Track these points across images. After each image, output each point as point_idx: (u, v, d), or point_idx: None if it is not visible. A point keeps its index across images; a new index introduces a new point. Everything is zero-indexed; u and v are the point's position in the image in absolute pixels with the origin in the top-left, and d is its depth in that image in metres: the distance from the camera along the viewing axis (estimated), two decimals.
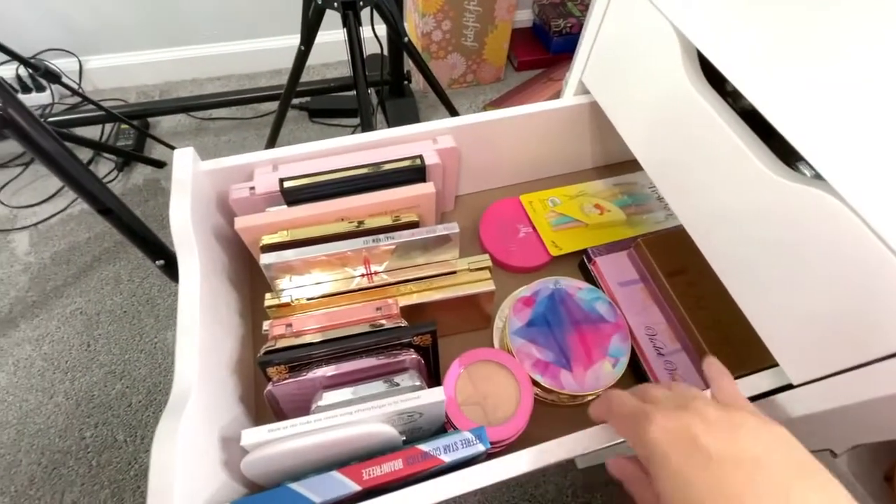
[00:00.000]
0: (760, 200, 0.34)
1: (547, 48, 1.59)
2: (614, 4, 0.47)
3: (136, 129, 1.26)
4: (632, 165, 0.67)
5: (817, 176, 0.31)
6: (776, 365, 0.37)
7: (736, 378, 0.38)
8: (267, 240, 0.46)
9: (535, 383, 0.44)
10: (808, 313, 0.33)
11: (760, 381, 0.38)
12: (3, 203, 1.19)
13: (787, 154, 0.34)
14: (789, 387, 0.37)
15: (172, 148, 1.24)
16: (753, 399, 0.38)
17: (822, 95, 0.30)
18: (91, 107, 1.14)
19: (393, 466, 0.33)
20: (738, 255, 0.37)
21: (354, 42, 0.90)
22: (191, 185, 0.45)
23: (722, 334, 0.45)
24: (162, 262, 0.88)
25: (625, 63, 0.48)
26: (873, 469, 0.53)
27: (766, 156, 0.34)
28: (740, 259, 0.37)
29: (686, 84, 0.39)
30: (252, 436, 0.35)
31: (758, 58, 0.33)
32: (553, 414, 0.47)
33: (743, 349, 0.43)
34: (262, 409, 0.48)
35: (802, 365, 0.35)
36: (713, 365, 0.33)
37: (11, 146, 1.25)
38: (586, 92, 0.57)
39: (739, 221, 0.37)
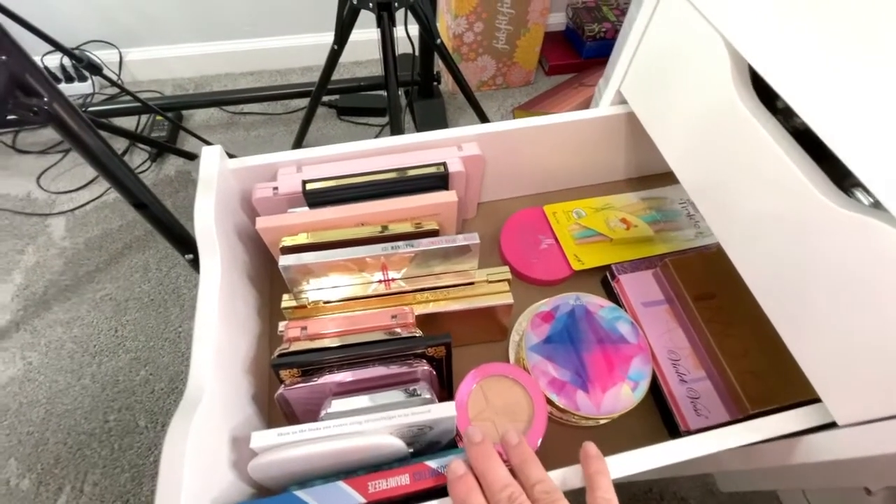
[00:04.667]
0: (812, 228, 0.32)
1: (579, 53, 1.56)
2: (660, 13, 0.45)
3: (171, 121, 1.29)
4: (661, 179, 0.65)
5: (876, 204, 0.28)
6: (814, 401, 0.35)
7: (766, 412, 0.36)
8: (287, 241, 0.46)
9: (550, 402, 0.43)
10: (860, 351, 0.31)
11: (799, 418, 0.36)
12: (42, 188, 1.24)
13: (841, 178, 0.32)
14: (830, 425, 0.34)
15: (204, 141, 1.27)
16: (788, 437, 0.36)
17: (885, 117, 0.27)
18: (129, 98, 1.17)
19: (399, 481, 0.32)
20: (784, 283, 0.35)
21: (388, 43, 0.90)
22: (216, 183, 0.45)
23: (751, 364, 0.43)
24: (191, 256, 0.89)
25: (669, 75, 0.46)
26: None
27: (820, 180, 0.32)
28: (786, 288, 0.35)
29: (735, 100, 0.37)
30: (261, 438, 0.35)
31: (814, 75, 0.31)
32: (566, 434, 0.46)
33: (773, 382, 0.41)
34: (275, 411, 0.48)
35: (850, 405, 0.33)
36: (592, 459, 0.32)
37: (53, 133, 1.30)
38: (623, 102, 0.55)
39: (787, 248, 0.34)
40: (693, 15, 0.40)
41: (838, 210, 0.30)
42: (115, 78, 1.37)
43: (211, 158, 0.47)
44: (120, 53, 1.44)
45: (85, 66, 1.10)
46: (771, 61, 0.34)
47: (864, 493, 0.49)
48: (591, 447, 0.33)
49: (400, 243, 0.45)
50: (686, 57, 0.43)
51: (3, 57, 0.54)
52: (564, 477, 0.33)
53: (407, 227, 0.47)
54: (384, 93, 1.43)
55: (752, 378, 0.42)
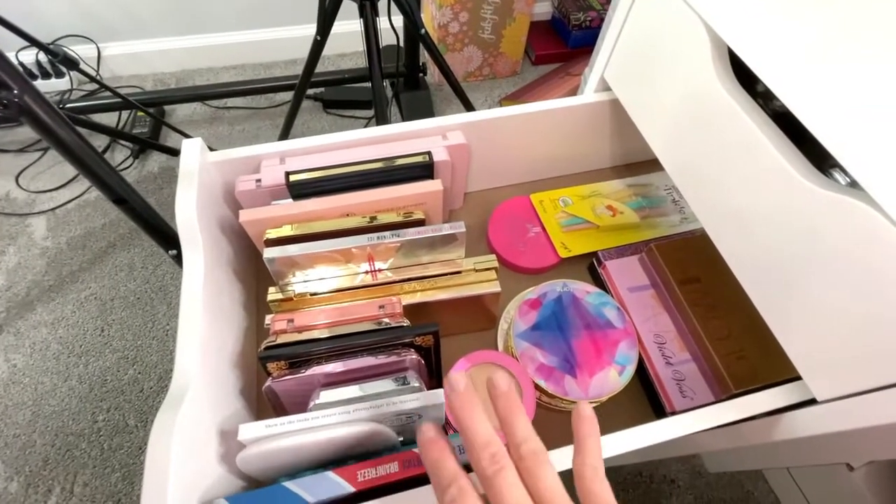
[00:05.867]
0: (791, 208, 0.33)
1: (566, 42, 1.55)
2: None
3: (152, 116, 1.27)
4: (647, 166, 0.65)
5: (853, 184, 0.29)
6: (795, 379, 0.36)
7: (749, 391, 0.37)
8: (271, 234, 0.46)
9: (538, 388, 0.44)
10: (837, 328, 0.31)
11: (780, 396, 0.37)
12: (21, 187, 1.22)
13: (819, 159, 0.32)
14: (810, 402, 0.35)
15: (187, 136, 1.25)
16: (772, 413, 0.37)
17: (863, 98, 0.28)
18: (109, 94, 1.15)
19: (389, 469, 0.32)
20: (765, 263, 0.36)
21: (371, 33, 0.89)
22: (198, 176, 0.45)
23: (734, 346, 0.44)
24: (175, 252, 0.88)
25: (651, 59, 0.46)
26: (890, 484, 0.51)
27: (798, 161, 0.32)
28: (767, 268, 0.36)
29: (715, 83, 0.37)
30: (249, 431, 0.35)
31: (794, 56, 0.32)
32: (554, 419, 0.46)
33: (756, 362, 0.41)
34: (263, 405, 0.48)
35: (829, 381, 0.33)
36: (585, 420, 0.28)
37: (32, 131, 1.27)
38: (607, 89, 0.55)
39: (767, 229, 0.35)
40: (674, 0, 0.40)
41: (817, 190, 0.31)
42: (93, 73, 1.34)
43: (191, 152, 0.46)
44: (98, 48, 1.41)
45: (61, 61, 1.08)
46: (749, 43, 0.35)
47: (847, 470, 0.50)
48: (585, 407, 0.29)
49: (386, 233, 0.44)
50: (667, 41, 0.43)
51: None
52: (554, 460, 0.33)
53: (393, 217, 0.47)
54: (370, 85, 1.43)
55: (735, 359, 0.43)
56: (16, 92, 0.57)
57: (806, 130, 0.31)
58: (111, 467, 0.85)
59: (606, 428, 0.36)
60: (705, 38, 0.38)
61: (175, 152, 1.29)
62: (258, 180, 0.48)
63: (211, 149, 0.49)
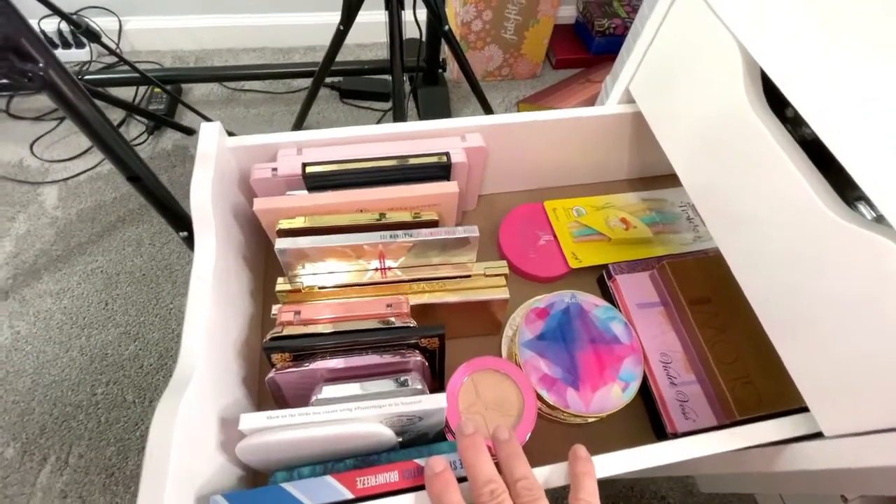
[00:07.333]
0: (813, 238, 0.32)
1: (588, 48, 1.54)
2: (675, 13, 0.45)
3: (169, 94, 1.27)
4: (663, 181, 0.65)
5: (878, 219, 0.28)
6: (801, 409, 0.36)
7: (754, 420, 0.37)
8: (284, 224, 0.46)
9: (540, 398, 0.43)
10: (852, 365, 0.31)
11: (786, 427, 0.36)
12: (36, 155, 1.22)
13: (846, 190, 0.32)
14: (816, 435, 0.35)
15: (203, 116, 1.25)
16: (775, 444, 0.37)
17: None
18: (127, 68, 1.15)
19: (388, 478, 0.32)
20: (780, 291, 0.35)
21: (395, 27, 0.89)
22: (215, 161, 0.44)
23: (741, 371, 0.43)
24: (185, 233, 0.88)
25: (679, 75, 0.45)
26: None
27: (824, 191, 0.32)
28: (782, 296, 0.35)
29: (745, 104, 0.37)
30: (250, 421, 0.35)
31: (828, 84, 0.31)
32: (554, 431, 0.46)
33: (762, 389, 0.41)
34: (265, 394, 0.48)
35: (838, 417, 0.33)
36: (581, 461, 0.32)
37: (49, 99, 1.28)
38: (631, 101, 0.54)
39: (786, 257, 0.34)
40: (708, 16, 0.40)
41: (842, 223, 0.30)
42: (113, 47, 1.34)
43: (210, 135, 0.46)
44: (119, 21, 1.41)
45: (83, 33, 1.08)
46: (784, 68, 0.34)
47: (841, 501, 0.50)
48: (581, 450, 0.33)
49: (399, 232, 0.44)
50: (698, 59, 0.42)
51: None
52: (549, 474, 0.33)
53: (406, 216, 0.47)
54: (388, 77, 1.42)
55: (741, 384, 0.42)
56: (41, 65, 0.57)
57: (834, 160, 0.31)
58: (106, 440, 0.86)
59: (606, 445, 0.36)
60: (738, 58, 0.37)
61: (190, 131, 1.29)
62: (274, 169, 0.48)
63: (229, 133, 0.49)
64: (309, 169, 0.47)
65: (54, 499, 0.80)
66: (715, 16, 0.39)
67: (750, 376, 0.43)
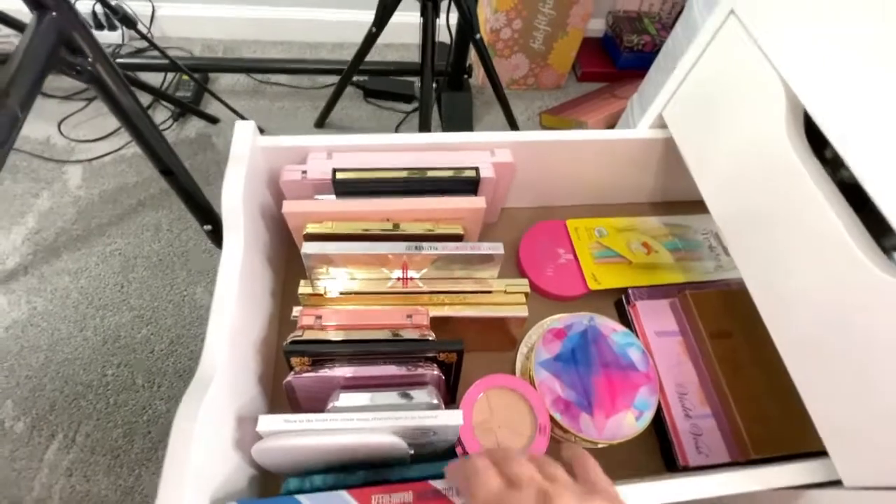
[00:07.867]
0: (845, 283, 0.32)
1: (614, 62, 1.53)
2: (717, 45, 0.44)
3: (197, 82, 1.28)
4: (687, 207, 0.64)
5: None
6: (818, 453, 0.35)
7: (768, 460, 0.36)
8: (311, 229, 0.46)
9: (553, 420, 0.43)
10: (879, 416, 0.30)
11: (804, 473, 0.36)
12: (63, 134, 1.24)
13: (879, 236, 0.32)
14: (834, 483, 0.34)
15: (229, 107, 1.26)
16: (791, 489, 0.36)
17: None
18: (157, 53, 1.16)
19: (403, 498, 0.32)
20: (807, 332, 0.35)
21: (429, 33, 0.89)
22: (248, 160, 0.45)
23: (759, 408, 0.43)
24: (210, 227, 0.89)
25: (717, 106, 0.45)
26: None
27: (860, 236, 0.31)
28: (808, 337, 0.35)
29: (784, 142, 0.36)
30: (268, 423, 0.36)
31: (872, 129, 0.31)
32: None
33: (780, 429, 0.41)
34: (278, 393, 0.48)
35: (860, 467, 0.32)
36: (572, 446, 0.33)
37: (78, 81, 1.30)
38: (662, 125, 0.54)
39: (815, 298, 0.34)
40: (752, 50, 0.40)
41: (877, 272, 0.30)
42: (146, 32, 1.36)
43: (244, 134, 0.46)
44: (153, 6, 1.42)
45: (120, 19, 1.09)
46: (829, 109, 0.34)
47: None
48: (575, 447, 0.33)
49: (424, 244, 0.44)
50: (738, 91, 0.42)
51: (53, 13, 0.53)
52: None
53: (430, 228, 0.47)
54: (412, 79, 1.42)
55: (758, 423, 0.42)
56: (90, 60, 0.58)
57: (872, 206, 0.30)
58: (114, 422, 0.87)
59: (613, 472, 0.35)
60: (782, 96, 0.37)
61: (214, 120, 1.30)
62: (304, 172, 0.48)
63: (261, 130, 0.50)
64: (339, 175, 0.47)
65: (60, 476, 0.82)
66: (760, 51, 0.39)
67: (768, 415, 0.42)
